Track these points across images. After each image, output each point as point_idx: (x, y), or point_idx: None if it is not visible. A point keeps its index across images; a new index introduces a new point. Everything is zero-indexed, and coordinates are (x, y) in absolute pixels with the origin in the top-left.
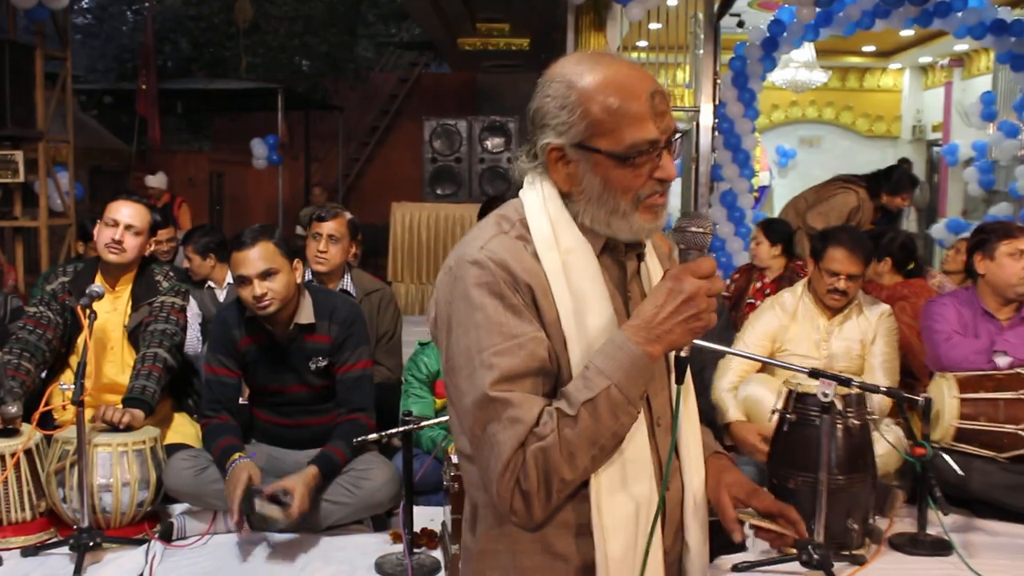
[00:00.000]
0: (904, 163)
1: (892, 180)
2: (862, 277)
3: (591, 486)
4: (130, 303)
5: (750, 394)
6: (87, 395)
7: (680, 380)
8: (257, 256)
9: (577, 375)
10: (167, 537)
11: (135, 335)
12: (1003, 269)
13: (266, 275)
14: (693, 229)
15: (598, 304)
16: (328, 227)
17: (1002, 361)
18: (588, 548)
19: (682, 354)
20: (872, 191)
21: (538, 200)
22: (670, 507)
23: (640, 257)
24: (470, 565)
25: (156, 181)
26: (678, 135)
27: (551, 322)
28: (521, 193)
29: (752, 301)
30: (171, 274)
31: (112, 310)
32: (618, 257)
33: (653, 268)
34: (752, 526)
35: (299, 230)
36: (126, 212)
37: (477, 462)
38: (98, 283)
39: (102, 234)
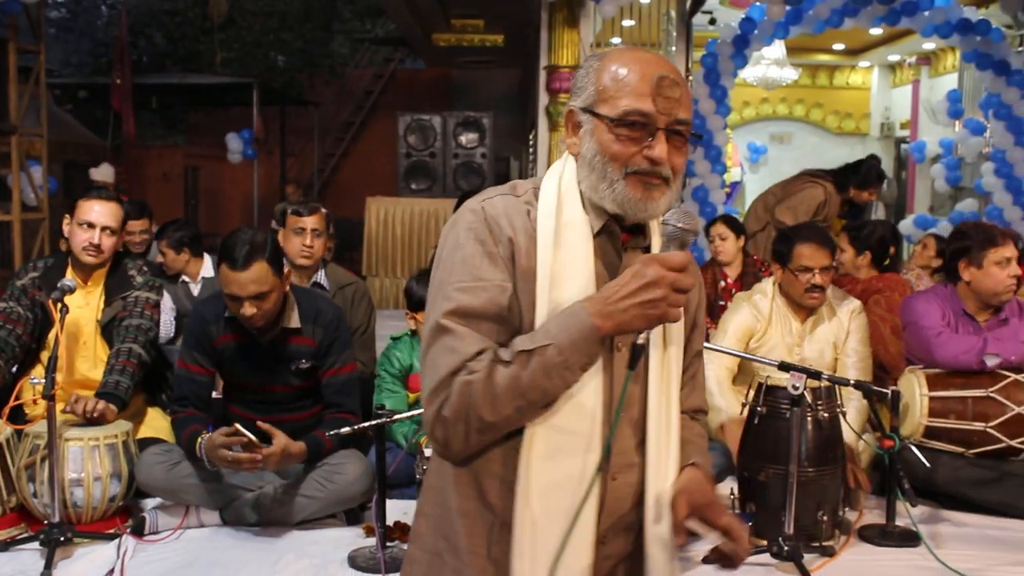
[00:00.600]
0: (873, 159)
1: (860, 174)
2: (832, 269)
3: (523, 445)
4: (103, 298)
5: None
6: (58, 389)
7: (632, 366)
8: (250, 279)
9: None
10: (139, 532)
11: (108, 330)
12: (990, 278)
13: (259, 296)
14: (674, 222)
15: (579, 278)
16: (311, 221)
17: (991, 362)
18: (511, 503)
19: (639, 341)
20: (840, 185)
21: (556, 172)
22: (619, 501)
23: (646, 251)
24: (418, 500)
25: (101, 175)
26: (693, 133)
27: (525, 279)
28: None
29: (722, 303)
30: (145, 268)
31: (84, 304)
32: (616, 244)
33: None
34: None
35: (274, 225)
36: (100, 213)
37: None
38: (70, 277)
39: (77, 236)
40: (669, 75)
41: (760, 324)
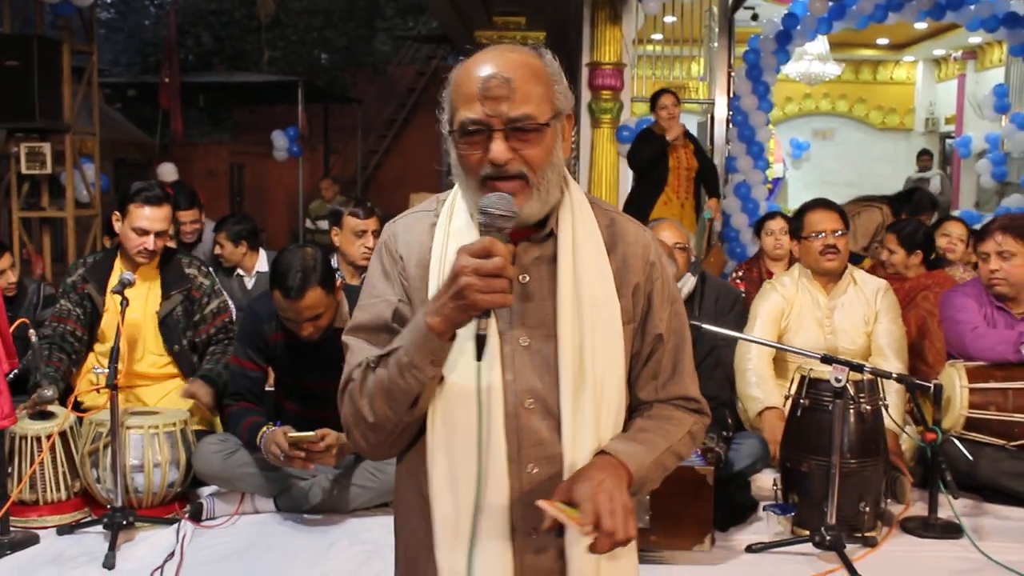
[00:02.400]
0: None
1: (913, 202)
2: (847, 234)
3: (427, 442)
4: (160, 291)
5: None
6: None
7: (478, 357)
8: (306, 306)
9: None
10: (197, 517)
11: (167, 323)
12: (980, 269)
13: (315, 318)
14: (491, 210)
15: None
16: (371, 224)
17: None
18: None
19: (480, 332)
20: (895, 210)
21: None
22: (541, 492)
23: (545, 239)
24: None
25: (165, 174)
26: (533, 123)
27: (417, 290)
28: None
29: None
30: (195, 262)
31: (139, 298)
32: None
33: (584, 252)
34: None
35: (309, 223)
36: (152, 219)
37: None
38: (128, 271)
39: (130, 240)
40: (497, 73)
41: (788, 302)
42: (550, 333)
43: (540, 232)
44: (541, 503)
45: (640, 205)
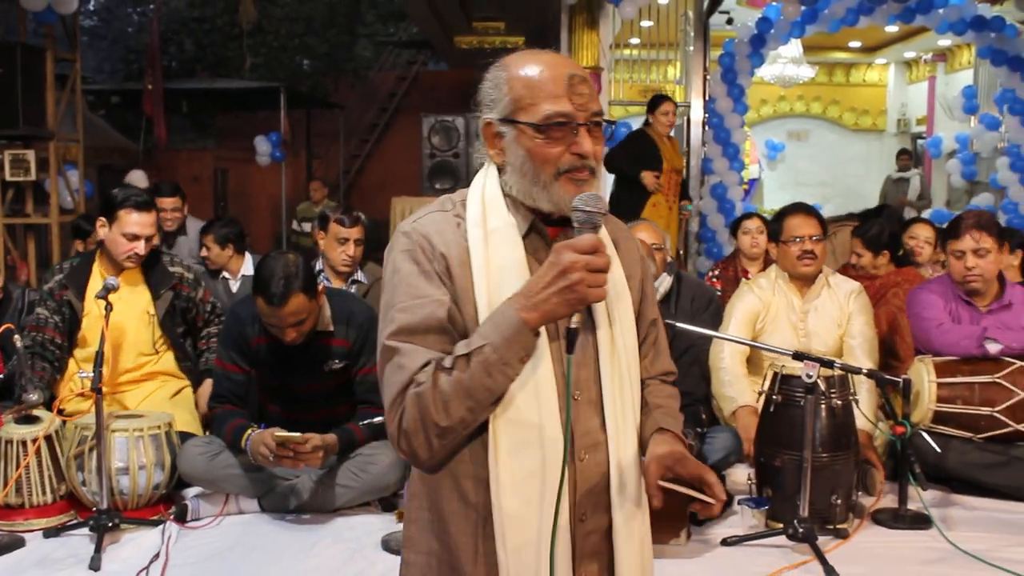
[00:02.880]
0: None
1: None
2: (824, 239)
3: (489, 442)
4: (149, 292)
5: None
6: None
7: (569, 350)
8: (289, 313)
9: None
10: (182, 518)
11: (167, 322)
12: (951, 268)
13: (298, 324)
14: (585, 207)
15: (515, 279)
16: (355, 232)
17: (992, 348)
18: (490, 501)
19: (571, 326)
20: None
21: (479, 182)
22: (591, 479)
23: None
24: (407, 505)
25: (135, 179)
26: (605, 119)
27: (464, 290)
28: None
29: None
30: (176, 260)
31: (119, 299)
32: (544, 239)
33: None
34: (668, 491)
35: (295, 225)
36: (141, 224)
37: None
38: (112, 276)
39: (120, 245)
40: (577, 72)
41: (763, 304)
42: (587, 326)
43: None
44: (666, 484)
45: (629, 208)
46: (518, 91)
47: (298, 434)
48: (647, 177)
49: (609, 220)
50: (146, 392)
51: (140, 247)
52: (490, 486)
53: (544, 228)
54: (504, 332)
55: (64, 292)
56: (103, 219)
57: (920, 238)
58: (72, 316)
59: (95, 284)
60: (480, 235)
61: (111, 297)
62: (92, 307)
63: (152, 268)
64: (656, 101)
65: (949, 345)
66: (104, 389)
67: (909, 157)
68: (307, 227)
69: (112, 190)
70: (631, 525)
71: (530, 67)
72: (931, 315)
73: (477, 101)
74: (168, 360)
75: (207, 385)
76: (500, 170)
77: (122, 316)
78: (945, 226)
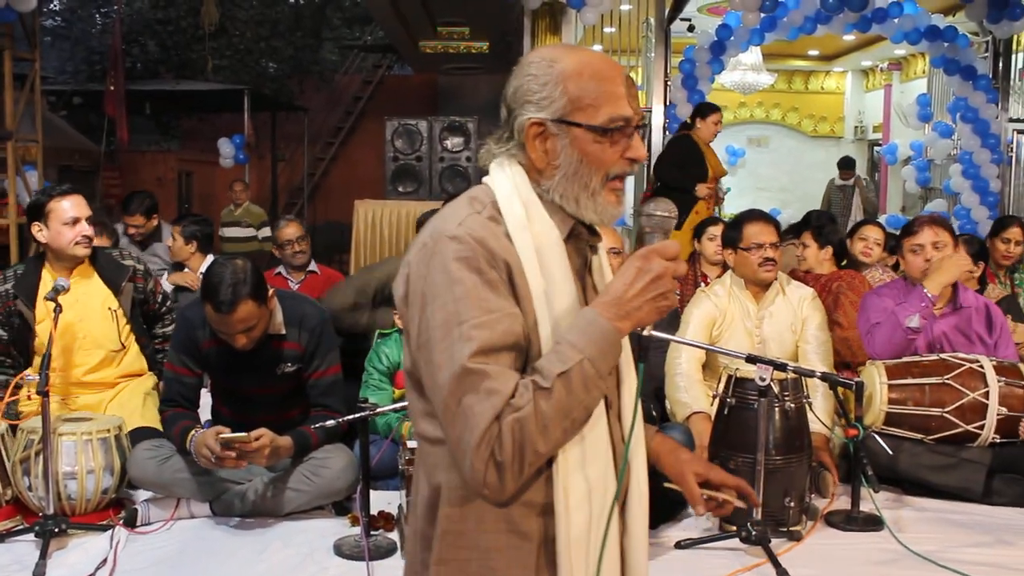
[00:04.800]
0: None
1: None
2: (781, 246)
3: (555, 464)
4: (107, 287)
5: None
6: (52, 385)
7: (642, 359)
8: (237, 320)
9: (548, 351)
10: (131, 523)
11: (134, 313)
12: (908, 264)
13: (248, 330)
14: (660, 213)
15: (564, 285)
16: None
17: (914, 323)
18: (549, 526)
19: (644, 332)
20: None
21: (509, 183)
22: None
23: (594, 250)
24: (430, 551)
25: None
26: (646, 123)
27: (523, 300)
28: (487, 178)
29: None
30: (122, 251)
31: (76, 300)
32: (580, 246)
33: (604, 262)
34: (709, 497)
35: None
36: (74, 206)
37: (449, 436)
38: (62, 277)
39: (65, 235)
40: (626, 73)
41: (720, 311)
42: None
43: (596, 240)
44: (711, 493)
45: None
46: (575, 91)
47: (244, 434)
48: (702, 189)
49: None
50: (117, 391)
51: (85, 228)
52: (554, 509)
53: (585, 232)
54: (600, 344)
55: (13, 302)
56: (37, 223)
57: (870, 239)
58: (23, 325)
59: (46, 289)
60: (529, 240)
61: (68, 299)
62: (45, 313)
63: (104, 264)
64: (706, 109)
65: (879, 349)
66: (71, 390)
67: (850, 168)
68: (229, 232)
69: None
70: (646, 533)
71: (587, 65)
72: (866, 319)
73: (513, 99)
74: (135, 354)
75: None
76: (537, 173)
77: (83, 315)
78: (899, 230)
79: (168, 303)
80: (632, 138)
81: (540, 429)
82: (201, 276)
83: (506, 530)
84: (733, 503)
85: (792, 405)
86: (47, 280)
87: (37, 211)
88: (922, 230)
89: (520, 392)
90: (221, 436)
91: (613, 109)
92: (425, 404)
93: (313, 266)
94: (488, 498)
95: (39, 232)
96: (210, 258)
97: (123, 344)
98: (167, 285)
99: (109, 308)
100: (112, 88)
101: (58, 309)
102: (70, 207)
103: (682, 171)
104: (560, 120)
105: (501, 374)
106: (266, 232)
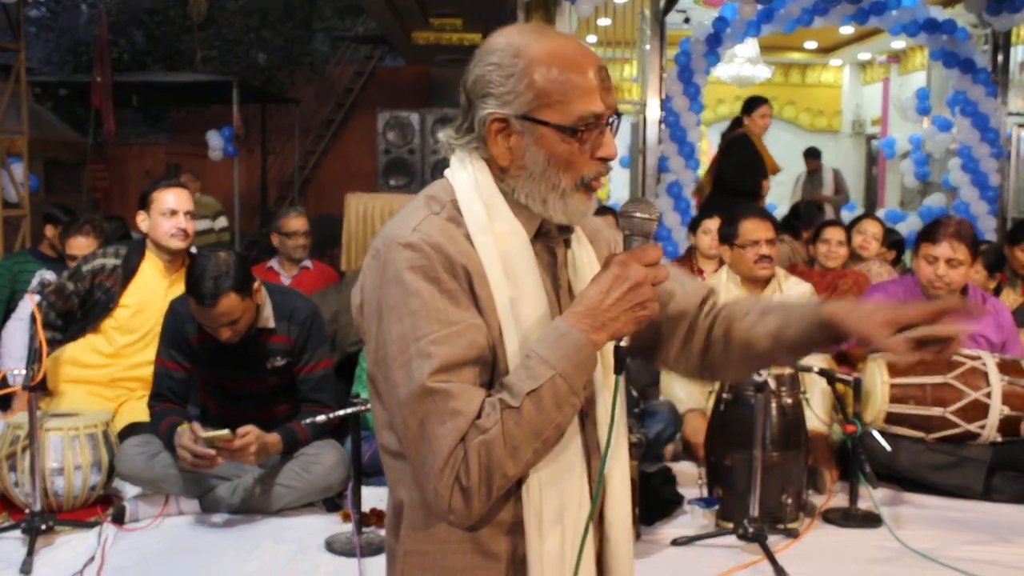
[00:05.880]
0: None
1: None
2: (776, 242)
3: (526, 482)
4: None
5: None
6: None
7: (619, 371)
8: (221, 313)
9: (517, 365)
10: (119, 520)
11: None
12: (920, 270)
13: (232, 323)
14: (639, 215)
15: (533, 291)
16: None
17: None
18: (519, 545)
19: (622, 343)
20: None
21: (470, 180)
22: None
23: (567, 244)
24: (395, 567)
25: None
26: (618, 115)
27: (487, 309)
28: (448, 172)
29: None
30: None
31: (163, 298)
32: (549, 243)
33: (581, 256)
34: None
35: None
36: (178, 200)
37: (411, 458)
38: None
39: (162, 226)
40: (601, 63)
41: None
42: None
43: (568, 233)
44: (915, 334)
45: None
46: (543, 85)
47: (226, 431)
48: (767, 186)
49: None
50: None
51: (182, 221)
52: (524, 528)
53: (554, 230)
54: (573, 358)
55: (107, 277)
56: (142, 212)
57: (868, 233)
58: (105, 302)
59: (143, 278)
60: (490, 243)
61: (160, 295)
62: (129, 299)
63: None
64: (753, 103)
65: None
66: (112, 379)
67: (816, 158)
68: (213, 223)
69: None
70: (629, 545)
71: (555, 55)
72: None
73: (473, 89)
74: None
75: None
76: (501, 171)
77: (157, 309)
78: (921, 227)
79: None
80: (604, 135)
81: (509, 452)
82: None
83: (472, 550)
84: (949, 333)
85: (789, 401)
86: (146, 270)
87: (143, 200)
88: (941, 243)
89: (487, 412)
90: (203, 435)
91: (583, 106)
92: (386, 413)
93: (307, 261)
94: (454, 524)
95: (143, 221)
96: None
97: None
98: None
99: None
100: (99, 79)
101: (41, 303)
102: (171, 199)
103: (743, 172)
104: (525, 117)
105: (464, 392)
106: (222, 223)
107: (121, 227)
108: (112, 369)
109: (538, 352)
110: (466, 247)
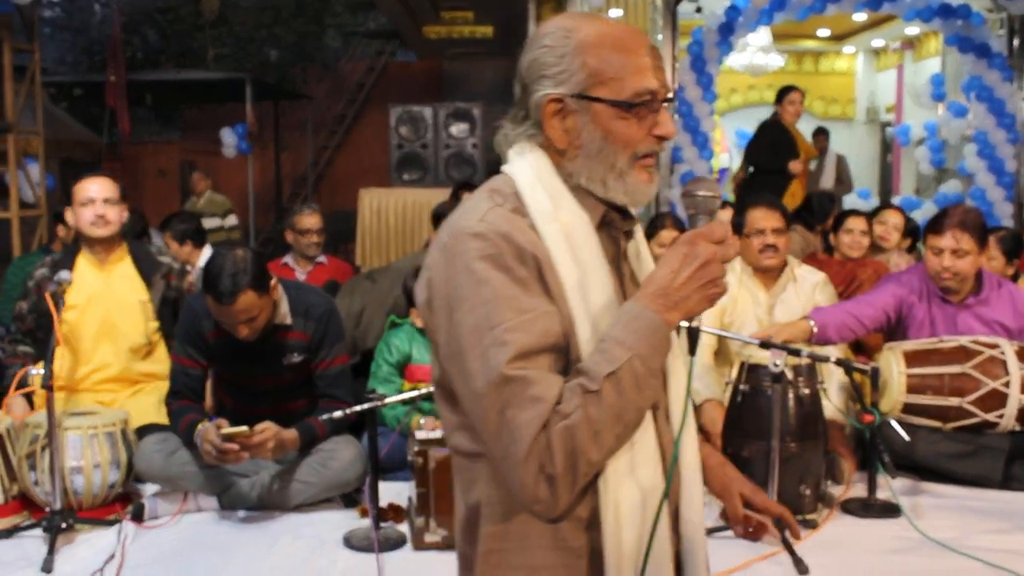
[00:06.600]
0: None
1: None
2: (786, 232)
3: (603, 474)
4: (140, 277)
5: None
6: (57, 380)
7: (693, 351)
8: (239, 311)
9: (593, 349)
10: (139, 517)
11: (163, 309)
12: (928, 262)
13: (250, 321)
14: (701, 193)
15: (601, 278)
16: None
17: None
18: (595, 540)
19: (694, 324)
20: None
21: (531, 170)
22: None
23: (629, 236)
24: (472, 572)
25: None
26: (672, 97)
27: (557, 297)
28: (507, 167)
29: None
30: (160, 248)
31: (109, 289)
32: (612, 233)
33: (643, 251)
34: (748, 518)
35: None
36: (97, 187)
37: (492, 450)
38: (66, 271)
39: (82, 216)
40: (650, 43)
41: (730, 299)
42: None
43: (631, 224)
44: (751, 514)
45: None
46: (596, 63)
47: (245, 427)
48: (796, 166)
49: None
50: (136, 390)
51: (100, 208)
52: (600, 522)
53: (618, 219)
54: (649, 339)
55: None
56: (68, 209)
57: (889, 224)
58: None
59: (80, 276)
60: (557, 231)
61: (98, 286)
62: (74, 299)
63: (139, 255)
64: (781, 93)
65: (832, 337)
66: (86, 384)
67: (826, 137)
68: (223, 221)
69: None
70: (704, 540)
71: (606, 34)
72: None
73: (527, 73)
74: (161, 357)
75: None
76: (559, 155)
77: (110, 304)
78: (929, 218)
79: None
80: (660, 113)
81: (592, 436)
82: (200, 270)
83: (553, 547)
84: (771, 529)
85: (806, 391)
86: (81, 267)
87: (68, 195)
88: (946, 233)
89: (566, 397)
90: (222, 431)
91: (638, 82)
92: (458, 416)
93: (321, 257)
94: (540, 514)
95: (69, 214)
96: (208, 249)
97: (148, 340)
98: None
99: (139, 300)
100: (113, 79)
101: (60, 303)
102: (89, 188)
103: (774, 153)
104: (580, 95)
105: (543, 379)
106: (232, 221)
107: (140, 220)
108: (89, 380)
109: (613, 335)
110: (532, 236)
